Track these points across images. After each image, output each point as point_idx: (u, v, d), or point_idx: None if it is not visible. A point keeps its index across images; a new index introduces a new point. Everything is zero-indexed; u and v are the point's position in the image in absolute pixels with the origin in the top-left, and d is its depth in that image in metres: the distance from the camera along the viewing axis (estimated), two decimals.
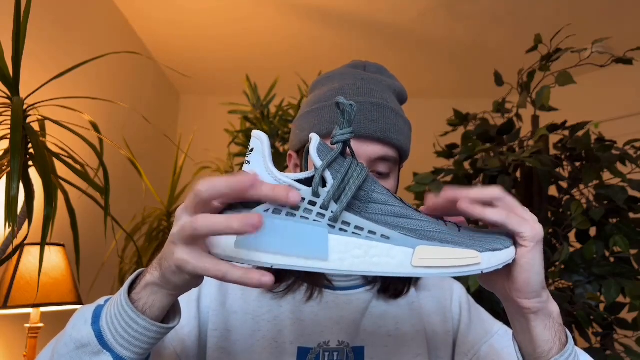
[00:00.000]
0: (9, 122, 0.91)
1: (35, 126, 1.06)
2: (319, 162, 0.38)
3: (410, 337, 0.62)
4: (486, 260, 0.38)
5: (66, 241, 1.28)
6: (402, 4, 2.05)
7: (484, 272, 0.38)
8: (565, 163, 1.35)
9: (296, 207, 0.37)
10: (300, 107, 0.65)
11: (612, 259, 1.21)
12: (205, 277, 0.38)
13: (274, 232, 0.36)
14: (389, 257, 0.37)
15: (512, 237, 0.41)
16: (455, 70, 2.69)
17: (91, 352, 0.39)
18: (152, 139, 2.49)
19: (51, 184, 0.90)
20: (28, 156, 0.97)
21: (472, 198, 0.40)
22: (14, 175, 0.84)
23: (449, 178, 1.47)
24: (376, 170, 0.59)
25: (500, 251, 0.39)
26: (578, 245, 1.27)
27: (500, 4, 2.03)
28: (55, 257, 1.29)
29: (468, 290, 1.05)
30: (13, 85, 0.98)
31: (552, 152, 1.39)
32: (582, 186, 1.32)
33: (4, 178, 0.90)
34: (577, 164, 1.32)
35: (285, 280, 0.62)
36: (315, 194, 0.37)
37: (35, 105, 1.02)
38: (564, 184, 1.35)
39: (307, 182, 0.41)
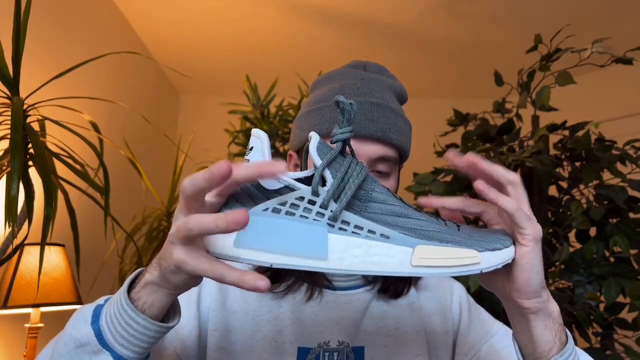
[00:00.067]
0: (9, 122, 0.91)
1: (35, 126, 1.06)
2: (318, 161, 0.38)
3: (410, 337, 0.62)
4: (486, 259, 0.38)
5: (66, 241, 1.28)
6: (402, 4, 2.05)
7: (483, 271, 0.38)
8: (565, 163, 1.35)
9: (296, 206, 0.37)
10: (300, 107, 0.65)
11: (612, 259, 1.21)
12: (205, 277, 0.38)
13: (273, 231, 0.36)
14: (389, 256, 0.37)
15: (512, 237, 0.41)
16: (455, 70, 2.69)
17: (91, 352, 0.39)
18: (152, 139, 2.49)
19: (51, 184, 0.90)
20: (28, 156, 0.97)
21: (489, 172, 0.41)
22: (14, 175, 0.84)
23: (449, 178, 1.47)
24: (376, 170, 0.59)
25: (500, 250, 0.39)
26: (578, 245, 1.27)
27: (500, 4, 2.03)
28: (55, 257, 1.29)
29: (468, 290, 1.05)
30: (13, 85, 0.98)
31: (552, 152, 1.39)
32: (582, 186, 1.32)
33: (4, 178, 0.90)
34: (577, 164, 1.32)
35: (285, 280, 0.62)
36: (315, 193, 0.37)
37: (35, 105, 1.02)
38: (564, 184, 1.35)
39: (306, 180, 0.41)
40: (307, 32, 2.29)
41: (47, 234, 0.89)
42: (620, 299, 1.15)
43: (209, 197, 0.38)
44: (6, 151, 0.97)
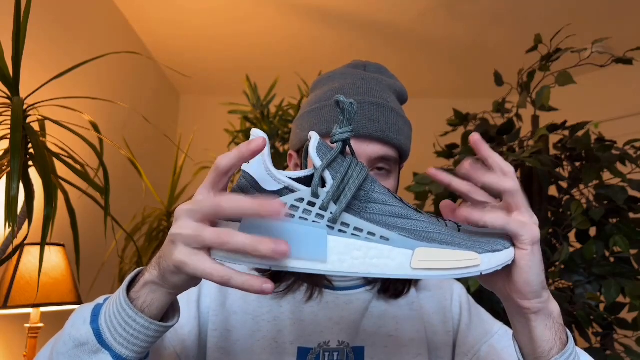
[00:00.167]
0: (9, 122, 0.91)
1: (35, 126, 1.06)
2: (318, 162, 0.38)
3: (410, 337, 0.62)
4: (486, 261, 0.38)
5: (66, 241, 1.28)
6: (402, 4, 2.05)
7: (483, 273, 0.38)
8: (565, 163, 1.35)
9: (296, 208, 0.37)
10: (300, 107, 0.65)
11: (612, 259, 1.21)
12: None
13: (273, 234, 0.36)
14: (389, 258, 0.37)
15: (511, 238, 0.41)
16: (455, 70, 2.69)
17: (90, 351, 0.39)
18: (152, 139, 2.49)
19: (51, 184, 0.90)
20: (28, 156, 0.97)
21: (486, 183, 0.40)
22: (14, 175, 0.84)
23: None
24: (376, 170, 0.59)
25: (500, 252, 0.39)
26: (578, 245, 1.27)
27: (500, 3, 2.02)
28: (55, 257, 1.29)
29: (468, 290, 1.05)
30: (13, 85, 0.98)
31: (552, 152, 1.39)
32: (582, 186, 1.32)
33: (4, 178, 0.90)
34: (577, 164, 1.32)
35: (285, 280, 0.62)
36: (315, 195, 0.37)
37: (35, 105, 1.02)
38: (564, 184, 1.35)
39: (306, 180, 0.41)
40: (307, 32, 2.29)
41: (47, 234, 0.89)
42: (620, 299, 1.15)
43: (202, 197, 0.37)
44: (6, 151, 0.97)
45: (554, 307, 0.43)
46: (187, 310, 0.58)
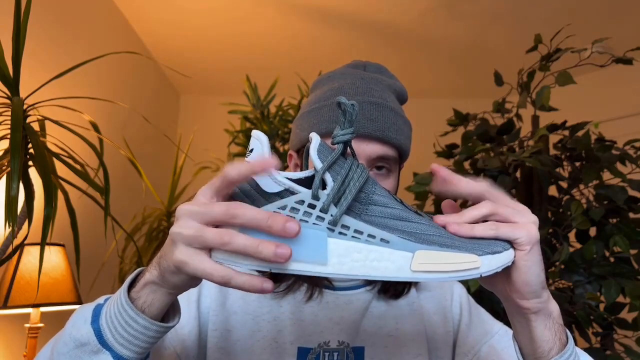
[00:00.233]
0: (9, 122, 0.91)
1: (35, 126, 1.06)
2: (319, 164, 0.38)
3: (410, 337, 0.62)
4: (486, 263, 0.38)
5: (66, 241, 1.28)
6: (402, 4, 2.05)
7: (483, 275, 0.38)
8: (565, 163, 1.35)
9: (296, 210, 0.37)
10: (300, 107, 0.65)
11: (612, 259, 1.21)
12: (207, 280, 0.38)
13: (273, 236, 0.36)
14: (389, 261, 0.37)
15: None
16: (455, 70, 2.69)
17: (90, 351, 0.39)
18: (152, 139, 2.49)
19: (51, 184, 0.90)
20: (28, 156, 0.97)
21: (464, 222, 0.40)
22: (14, 175, 0.84)
23: None
24: (376, 170, 0.59)
25: (500, 254, 0.39)
26: (578, 245, 1.27)
27: (500, 3, 2.02)
28: (55, 257, 1.29)
29: (468, 290, 1.05)
30: (13, 85, 0.98)
31: (552, 152, 1.39)
32: (582, 186, 1.32)
33: (4, 178, 0.89)
34: (577, 164, 1.32)
35: (285, 280, 0.62)
36: (315, 197, 0.37)
37: (35, 105, 1.02)
38: (564, 184, 1.35)
39: (306, 181, 0.41)
40: (307, 32, 2.29)
41: (47, 234, 0.89)
42: (620, 299, 1.15)
43: (205, 200, 0.37)
44: (6, 151, 0.97)
45: (554, 307, 0.43)
46: (187, 310, 0.58)
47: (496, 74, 1.49)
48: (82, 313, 0.42)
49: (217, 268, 0.35)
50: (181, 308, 0.45)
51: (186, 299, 0.59)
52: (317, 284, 0.62)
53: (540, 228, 0.41)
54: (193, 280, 0.39)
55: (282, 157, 1.79)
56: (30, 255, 1.24)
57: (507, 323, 0.53)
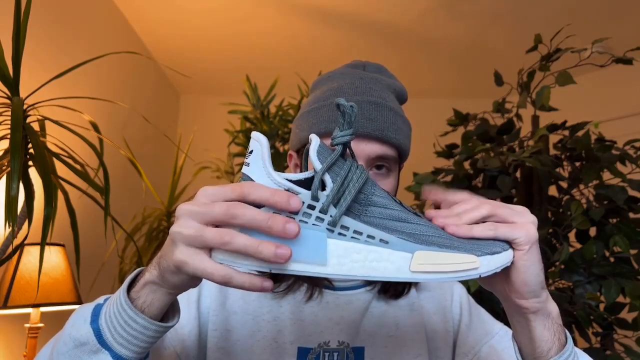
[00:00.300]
0: (9, 122, 0.91)
1: (35, 126, 1.06)
2: (318, 165, 0.38)
3: (410, 337, 0.62)
4: (485, 264, 0.38)
5: (66, 241, 1.28)
6: (402, 4, 2.05)
7: (482, 276, 0.38)
8: (565, 163, 1.35)
9: (295, 211, 0.37)
10: (300, 107, 0.65)
11: (612, 259, 1.21)
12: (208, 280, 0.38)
13: (272, 236, 0.36)
14: (388, 261, 0.37)
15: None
16: (455, 70, 2.69)
17: (90, 351, 0.39)
18: (152, 139, 2.49)
19: (51, 184, 0.90)
20: (28, 156, 0.97)
21: (461, 223, 0.41)
22: (14, 175, 0.84)
23: (449, 178, 1.47)
24: (375, 170, 0.59)
25: (499, 254, 0.39)
26: (578, 245, 1.27)
27: (500, 3, 2.02)
28: (55, 257, 1.29)
29: (468, 290, 1.05)
30: (13, 85, 0.98)
31: (552, 152, 1.39)
32: (582, 186, 1.32)
33: (4, 178, 0.89)
34: (577, 164, 1.32)
35: (285, 280, 0.62)
36: (315, 198, 0.37)
37: (35, 105, 1.02)
38: (564, 184, 1.35)
39: (306, 182, 0.41)
40: (307, 32, 2.29)
41: (47, 234, 0.89)
42: (620, 299, 1.15)
43: (206, 200, 0.37)
44: (6, 151, 0.97)
45: (553, 307, 0.43)
46: (187, 310, 0.58)
47: (496, 74, 1.49)
48: (82, 313, 0.42)
49: (218, 268, 0.35)
50: (181, 308, 0.45)
51: (186, 299, 0.59)
52: (317, 284, 0.62)
53: (540, 228, 0.41)
54: (193, 280, 0.39)
55: (282, 157, 1.79)
56: (30, 255, 1.24)
57: (507, 323, 0.53)
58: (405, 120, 0.62)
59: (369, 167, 0.58)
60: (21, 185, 0.89)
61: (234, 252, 0.35)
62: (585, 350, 1.15)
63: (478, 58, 2.51)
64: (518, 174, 1.40)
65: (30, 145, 0.96)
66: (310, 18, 2.17)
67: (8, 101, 0.98)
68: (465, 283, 1.13)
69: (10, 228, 0.84)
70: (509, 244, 0.40)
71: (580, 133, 1.32)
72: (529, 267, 0.40)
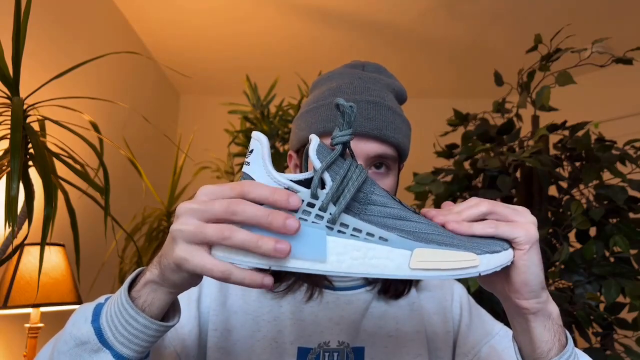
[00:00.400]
0: (9, 122, 0.91)
1: (35, 126, 1.06)
2: (318, 164, 0.38)
3: (410, 337, 0.62)
4: (484, 262, 0.38)
5: (66, 241, 1.28)
6: (402, 4, 2.05)
7: (481, 274, 0.38)
8: (565, 163, 1.35)
9: (294, 209, 0.37)
10: (300, 107, 0.65)
11: (612, 259, 1.21)
12: (205, 277, 0.38)
13: (272, 234, 0.36)
14: (387, 259, 0.37)
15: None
16: (455, 70, 2.69)
17: (91, 350, 0.39)
18: (152, 139, 2.49)
19: (51, 184, 0.90)
20: (28, 156, 0.97)
21: (461, 220, 0.41)
22: (14, 175, 0.84)
23: (449, 178, 1.47)
24: (374, 169, 0.59)
25: (499, 253, 0.39)
26: (578, 245, 1.27)
27: (500, 3, 2.02)
28: (55, 257, 1.29)
29: (468, 290, 1.05)
30: (13, 85, 0.98)
31: (552, 152, 1.39)
32: (582, 186, 1.32)
33: (4, 178, 0.90)
34: (577, 164, 1.32)
35: (285, 280, 0.62)
36: (314, 196, 0.37)
37: (35, 105, 1.02)
38: (564, 184, 1.35)
39: (306, 182, 0.41)
40: (307, 32, 2.29)
41: (47, 234, 0.89)
42: (620, 299, 1.15)
43: (206, 199, 0.38)
44: (6, 151, 0.97)
45: (553, 308, 0.43)
46: (187, 309, 0.58)
47: (496, 74, 1.49)
48: (83, 312, 0.42)
49: (217, 264, 0.36)
50: (181, 308, 0.45)
51: (186, 299, 0.59)
52: (317, 284, 0.62)
53: (540, 228, 0.41)
54: (193, 279, 0.39)
55: (282, 157, 1.79)
56: (30, 255, 1.24)
57: (507, 323, 0.53)
58: (404, 119, 0.62)
59: (368, 166, 0.58)
60: (21, 185, 0.89)
61: (234, 247, 0.35)
62: (585, 350, 1.16)
63: (478, 58, 2.51)
64: (518, 174, 1.40)
65: (30, 145, 0.96)
66: (310, 18, 2.17)
67: (8, 101, 0.98)
68: (465, 283, 1.13)
69: (10, 228, 0.84)
70: (509, 243, 0.40)
71: (580, 133, 1.32)
72: (529, 267, 0.40)
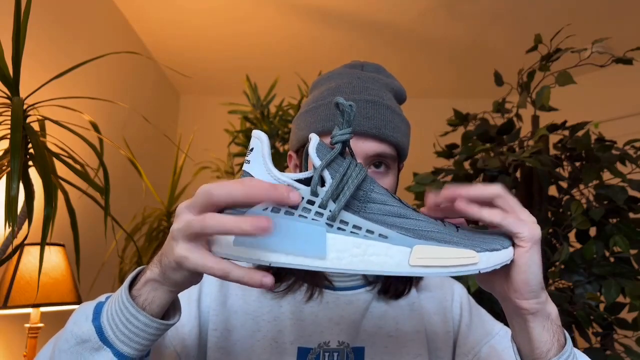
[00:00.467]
0: (9, 122, 0.91)
1: (35, 126, 1.06)
2: (317, 162, 0.38)
3: (410, 337, 0.62)
4: (484, 260, 0.38)
5: (66, 241, 1.28)
6: (402, 4, 2.05)
7: (481, 271, 0.38)
8: (565, 163, 1.35)
9: (295, 206, 0.37)
10: (300, 107, 0.65)
11: (612, 259, 1.21)
12: (205, 277, 0.38)
13: (272, 231, 0.37)
14: (387, 256, 0.38)
15: (511, 238, 0.41)
16: (455, 70, 2.69)
17: (91, 348, 0.39)
18: (152, 139, 2.49)
19: (51, 184, 0.90)
20: (28, 156, 0.97)
21: (471, 196, 0.40)
22: (14, 175, 0.84)
23: (449, 178, 1.47)
24: (373, 168, 0.59)
25: (499, 251, 0.39)
26: (578, 245, 1.27)
27: (500, 3, 2.03)
28: (55, 257, 1.29)
29: (468, 290, 1.05)
30: (13, 85, 0.98)
31: (552, 152, 1.39)
32: (582, 186, 1.32)
33: (4, 178, 0.90)
34: (577, 164, 1.32)
35: (285, 280, 0.62)
36: (314, 193, 0.37)
37: (35, 105, 1.02)
38: (564, 184, 1.35)
39: (306, 182, 0.41)
40: (307, 32, 2.29)
41: (47, 234, 0.89)
42: (620, 299, 1.15)
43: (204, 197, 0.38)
44: (6, 151, 0.97)
45: (552, 308, 0.43)
46: (187, 309, 0.58)
47: (496, 74, 1.49)
48: (84, 311, 0.42)
49: (217, 262, 0.36)
50: (182, 307, 0.45)
51: (187, 298, 0.59)
52: (317, 284, 0.62)
53: (540, 228, 0.41)
54: (194, 277, 0.39)
55: (282, 157, 1.79)
56: (30, 255, 1.24)
57: (507, 324, 0.53)
58: (403, 118, 0.62)
59: (367, 165, 0.58)
60: (21, 185, 0.89)
61: (217, 233, 0.35)
62: (585, 350, 1.16)
63: (478, 58, 2.51)
64: (518, 174, 1.40)
65: (30, 145, 0.96)
66: (310, 18, 2.17)
67: (8, 101, 0.98)
68: (465, 283, 1.13)
69: (10, 228, 0.84)
70: (511, 241, 0.40)
71: (580, 133, 1.32)
72: (530, 266, 0.40)
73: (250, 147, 0.39)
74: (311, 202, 0.37)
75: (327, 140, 0.56)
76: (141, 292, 0.40)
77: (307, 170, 0.47)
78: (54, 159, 1.03)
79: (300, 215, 0.37)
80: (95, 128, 1.12)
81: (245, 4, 2.06)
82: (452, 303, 0.67)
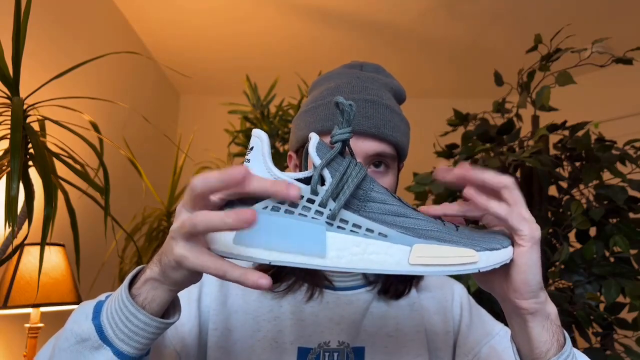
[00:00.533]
0: (9, 122, 0.91)
1: (35, 126, 1.06)
2: (317, 161, 0.38)
3: (410, 337, 0.62)
4: (484, 259, 0.38)
5: (66, 241, 1.28)
6: (402, 4, 2.05)
7: (481, 270, 0.38)
8: (565, 163, 1.35)
9: (295, 205, 0.37)
10: (300, 107, 0.65)
11: (612, 259, 1.21)
12: (205, 276, 0.38)
13: (272, 229, 0.37)
14: (387, 254, 0.38)
15: (510, 237, 0.41)
16: (455, 70, 2.69)
17: (91, 347, 0.39)
18: (152, 139, 2.49)
19: (51, 184, 0.90)
20: (28, 156, 0.97)
21: (481, 180, 0.40)
22: (14, 175, 0.84)
23: None
24: (373, 167, 0.59)
25: (498, 250, 0.39)
26: (578, 245, 1.27)
27: (500, 3, 2.03)
28: (55, 257, 1.29)
29: (468, 290, 1.05)
30: (13, 85, 0.98)
31: (552, 152, 1.39)
32: (582, 186, 1.32)
33: (4, 178, 0.90)
34: (577, 164, 1.32)
35: (285, 280, 0.62)
36: (314, 192, 0.37)
37: (35, 105, 1.02)
38: (564, 184, 1.35)
39: (306, 181, 0.41)
40: (307, 32, 2.29)
41: (47, 234, 0.89)
42: (620, 299, 1.15)
43: (213, 197, 0.38)
44: (6, 151, 0.97)
45: (552, 308, 0.43)
46: (187, 308, 0.58)
47: (496, 74, 1.49)
48: (84, 309, 0.42)
49: (214, 260, 0.36)
50: (182, 307, 0.45)
51: (187, 298, 0.59)
52: (318, 283, 0.62)
53: (540, 228, 0.41)
54: (193, 276, 0.39)
55: (282, 157, 1.79)
56: (30, 255, 1.24)
57: (507, 324, 0.53)
58: (402, 118, 0.62)
59: (367, 165, 0.58)
60: (21, 185, 0.89)
61: (206, 230, 0.35)
62: (585, 350, 1.16)
63: (478, 58, 2.51)
64: (518, 174, 1.40)
65: (30, 145, 0.96)
66: (310, 18, 2.17)
67: (8, 101, 0.98)
68: (465, 283, 1.13)
69: (10, 228, 0.84)
70: (510, 240, 0.40)
71: (580, 133, 1.32)
72: (530, 265, 0.40)
73: (250, 146, 0.39)
74: (311, 201, 0.38)
75: (327, 139, 0.56)
76: (141, 291, 0.40)
77: (307, 170, 0.47)
78: (54, 159, 1.03)
79: (300, 214, 0.37)
80: (95, 128, 1.12)
81: (245, 4, 2.06)
82: (452, 303, 0.67)
